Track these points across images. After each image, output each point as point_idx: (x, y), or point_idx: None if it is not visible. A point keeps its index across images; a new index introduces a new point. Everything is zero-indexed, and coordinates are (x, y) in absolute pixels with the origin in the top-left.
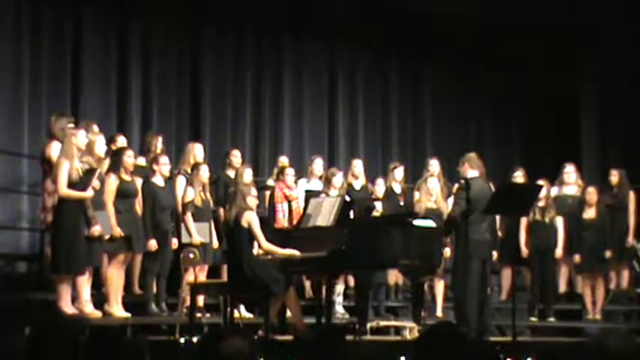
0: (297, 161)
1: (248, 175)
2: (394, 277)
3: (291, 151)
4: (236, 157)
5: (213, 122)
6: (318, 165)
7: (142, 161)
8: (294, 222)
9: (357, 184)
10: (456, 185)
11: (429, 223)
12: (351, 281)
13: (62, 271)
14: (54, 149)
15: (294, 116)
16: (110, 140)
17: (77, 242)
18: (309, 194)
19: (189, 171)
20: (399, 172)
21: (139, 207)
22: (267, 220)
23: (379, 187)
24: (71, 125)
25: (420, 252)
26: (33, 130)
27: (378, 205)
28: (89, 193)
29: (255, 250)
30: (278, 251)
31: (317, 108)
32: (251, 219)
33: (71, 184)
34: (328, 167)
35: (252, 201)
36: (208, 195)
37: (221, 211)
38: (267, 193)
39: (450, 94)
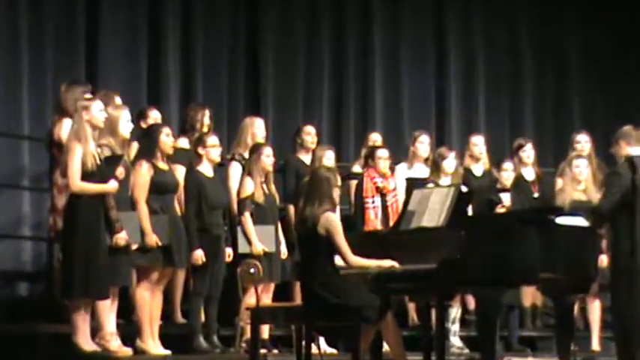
0: (394, 139)
1: (329, 159)
2: (531, 296)
3: (384, 125)
4: (310, 135)
5: (279, 89)
6: (423, 144)
7: (183, 143)
8: (391, 222)
9: (478, 170)
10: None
11: (579, 220)
12: (472, 303)
13: (78, 293)
14: (65, 129)
15: (389, 78)
16: (139, 116)
17: (97, 255)
18: (411, 184)
19: (246, 155)
20: (527, 153)
21: (179, 205)
22: (353, 220)
23: (508, 174)
24: (88, 96)
25: (567, 261)
26: (36, 105)
27: (506, 198)
28: (111, 185)
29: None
30: (371, 265)
31: (420, 66)
32: (331, 222)
33: (87, 176)
34: (437, 147)
35: (336, 193)
36: (273, 188)
37: (291, 209)
38: (353, 183)
39: (603, 45)
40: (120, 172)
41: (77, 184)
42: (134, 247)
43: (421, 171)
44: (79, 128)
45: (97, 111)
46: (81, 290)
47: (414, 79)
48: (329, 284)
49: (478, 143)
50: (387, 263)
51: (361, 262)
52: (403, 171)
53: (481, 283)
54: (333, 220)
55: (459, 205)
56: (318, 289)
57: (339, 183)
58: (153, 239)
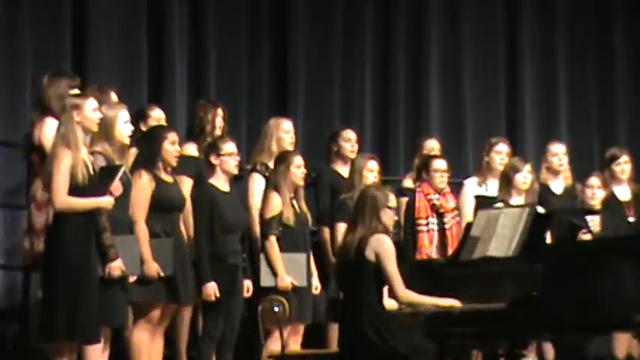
0: (455, 146)
1: (371, 171)
2: (626, 344)
3: (442, 130)
4: (350, 141)
5: (310, 84)
6: (501, 154)
7: (191, 150)
8: (450, 250)
9: (557, 186)
10: None
11: None
12: (550, 352)
13: (61, 336)
14: (48, 131)
15: (448, 73)
16: (139, 116)
17: (86, 288)
18: (480, 203)
19: (271, 166)
20: (622, 166)
21: (186, 227)
22: (403, 246)
23: (596, 191)
24: (75, 92)
25: None
26: (12, 103)
27: (594, 221)
28: (106, 200)
29: (387, 300)
30: (427, 302)
31: (486, 58)
32: (382, 244)
33: (77, 191)
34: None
35: (387, 216)
36: (304, 206)
37: (325, 232)
38: (404, 201)
39: None
40: (115, 186)
41: (63, 199)
42: (132, 278)
43: (496, 188)
44: (69, 132)
45: (90, 111)
46: (65, 331)
47: (478, 74)
48: (375, 322)
49: (558, 153)
50: (446, 302)
51: (414, 297)
52: (473, 187)
53: (562, 328)
54: (385, 241)
55: (535, 230)
56: (361, 327)
57: (393, 203)
58: (154, 269)
